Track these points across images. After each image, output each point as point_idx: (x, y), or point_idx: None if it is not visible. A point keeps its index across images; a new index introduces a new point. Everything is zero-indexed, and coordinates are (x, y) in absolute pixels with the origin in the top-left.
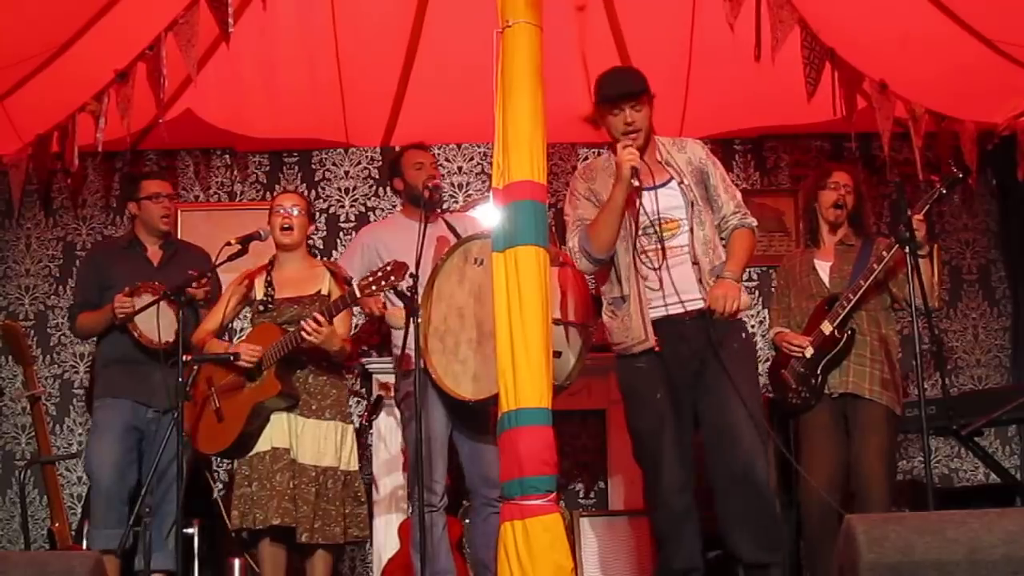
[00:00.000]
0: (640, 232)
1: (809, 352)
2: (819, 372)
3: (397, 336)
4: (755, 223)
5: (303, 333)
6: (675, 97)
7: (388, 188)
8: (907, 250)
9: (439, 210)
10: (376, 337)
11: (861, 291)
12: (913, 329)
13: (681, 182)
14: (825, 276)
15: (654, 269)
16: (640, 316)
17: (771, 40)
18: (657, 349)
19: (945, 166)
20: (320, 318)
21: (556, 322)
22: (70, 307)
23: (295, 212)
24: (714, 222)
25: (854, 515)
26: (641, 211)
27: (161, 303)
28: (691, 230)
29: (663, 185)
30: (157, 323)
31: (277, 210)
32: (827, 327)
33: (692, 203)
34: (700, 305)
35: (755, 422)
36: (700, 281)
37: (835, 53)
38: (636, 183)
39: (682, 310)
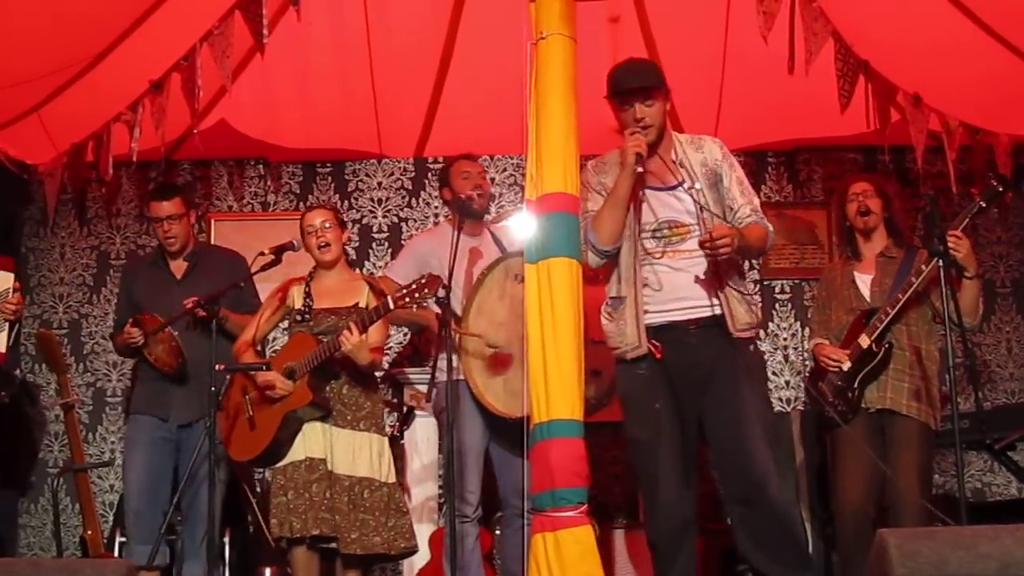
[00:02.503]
0: (647, 234)
1: (846, 366)
2: (856, 386)
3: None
4: (771, 228)
5: (340, 339)
6: (708, 109)
7: (420, 199)
8: (940, 263)
9: (484, 220)
10: (408, 348)
11: (899, 304)
12: (946, 342)
13: (692, 187)
14: (866, 289)
15: (669, 272)
16: (635, 321)
17: (805, 52)
18: (659, 356)
19: (985, 179)
20: (354, 328)
21: (597, 342)
22: (112, 330)
23: (328, 227)
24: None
25: (886, 529)
26: (647, 211)
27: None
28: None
29: (674, 188)
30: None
31: (309, 230)
32: (864, 340)
33: (702, 208)
34: (708, 312)
35: (767, 442)
36: (714, 289)
37: (869, 66)
38: (640, 170)
39: (687, 317)
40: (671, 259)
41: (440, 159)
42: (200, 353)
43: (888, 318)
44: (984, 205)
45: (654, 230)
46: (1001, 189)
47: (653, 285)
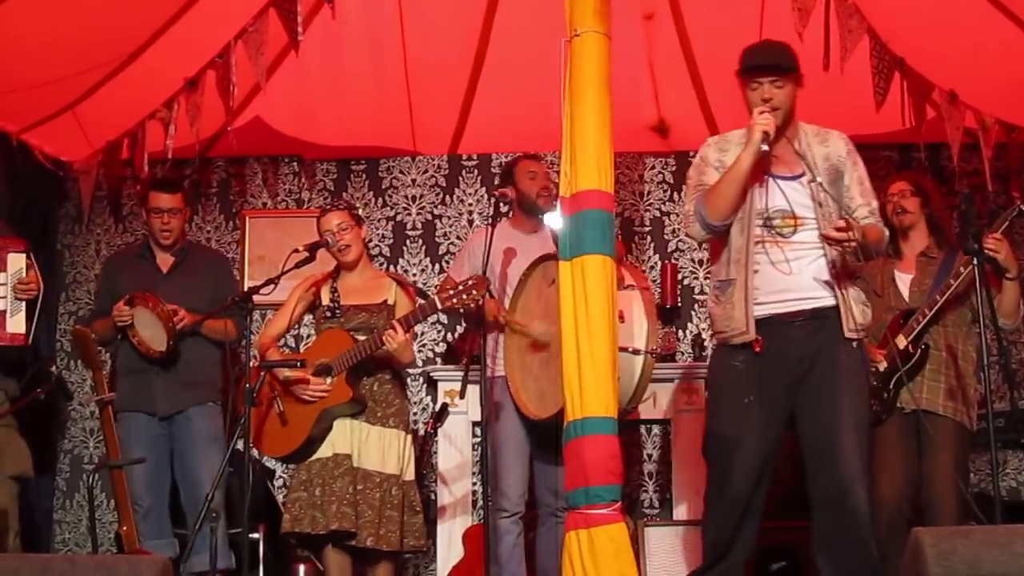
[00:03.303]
0: (760, 219)
1: (882, 366)
2: (891, 386)
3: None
4: (887, 232)
5: (384, 338)
6: (743, 105)
7: (454, 196)
8: (975, 261)
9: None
10: (442, 345)
11: (937, 306)
12: (981, 341)
13: (812, 179)
14: (905, 289)
15: (777, 262)
16: (744, 305)
17: (840, 49)
18: (758, 350)
19: (1023, 179)
20: (399, 327)
21: None
22: (88, 316)
23: (344, 228)
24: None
25: (922, 528)
26: (761, 197)
27: (156, 314)
28: (820, 230)
29: (794, 178)
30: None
31: (326, 235)
32: (901, 341)
33: (820, 203)
34: (810, 306)
35: (859, 441)
36: (830, 281)
37: (904, 63)
38: (766, 148)
39: (788, 310)
40: (780, 249)
41: (474, 157)
42: (190, 346)
43: (925, 320)
44: None
45: (766, 218)
46: None
47: (765, 275)
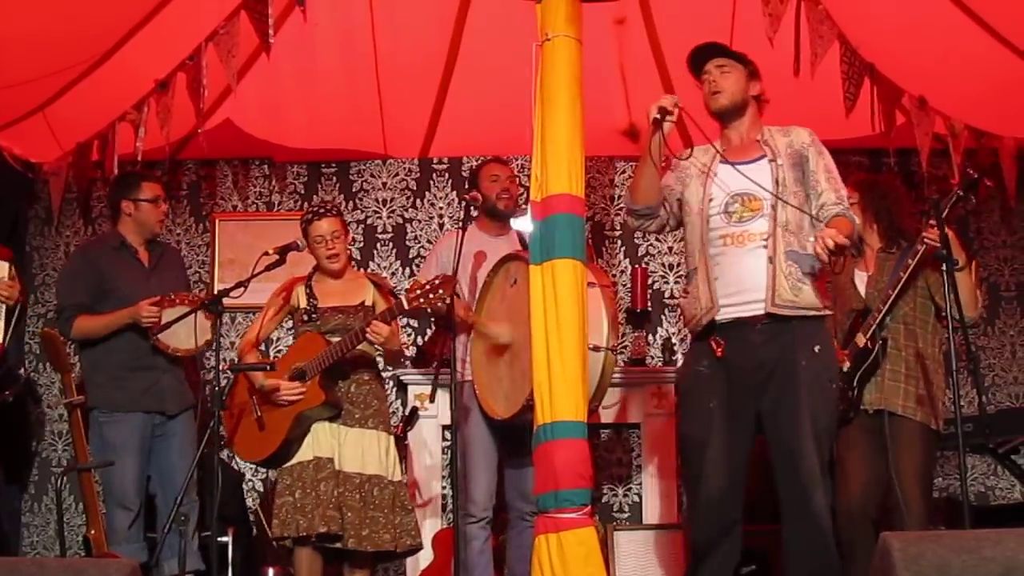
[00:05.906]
0: (718, 209)
1: (846, 366)
2: (855, 385)
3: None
4: (857, 220)
5: (370, 334)
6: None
7: (425, 200)
8: (944, 267)
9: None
10: (412, 349)
11: (890, 301)
12: (950, 345)
13: (773, 160)
14: (862, 287)
15: (734, 261)
16: (707, 285)
17: (810, 55)
18: (720, 355)
19: (961, 169)
20: (380, 323)
21: None
22: (61, 308)
23: (337, 237)
24: (807, 207)
25: (890, 532)
26: (720, 186)
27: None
28: (773, 212)
29: (753, 161)
30: (193, 331)
31: (318, 240)
32: (860, 339)
33: (779, 181)
34: (766, 309)
35: (819, 446)
36: (772, 281)
37: (874, 68)
38: (658, 117)
39: (749, 314)
40: (736, 248)
41: (445, 160)
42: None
43: (881, 315)
44: (961, 194)
45: (726, 204)
46: (976, 176)
47: (715, 274)
